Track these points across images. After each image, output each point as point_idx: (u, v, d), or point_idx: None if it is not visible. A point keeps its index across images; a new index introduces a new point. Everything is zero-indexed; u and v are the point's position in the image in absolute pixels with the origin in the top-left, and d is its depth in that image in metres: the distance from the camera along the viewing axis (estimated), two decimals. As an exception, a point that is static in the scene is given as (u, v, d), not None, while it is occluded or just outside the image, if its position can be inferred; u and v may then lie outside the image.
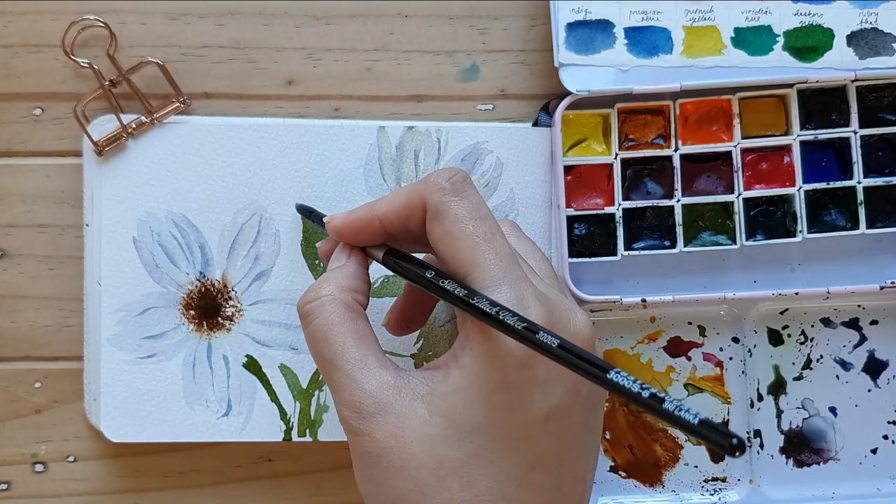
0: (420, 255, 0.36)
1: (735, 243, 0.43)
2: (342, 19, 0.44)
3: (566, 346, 0.28)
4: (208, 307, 0.43)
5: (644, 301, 0.43)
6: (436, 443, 0.31)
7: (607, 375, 0.26)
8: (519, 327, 0.29)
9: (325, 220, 0.37)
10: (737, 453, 0.23)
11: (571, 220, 0.43)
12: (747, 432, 0.45)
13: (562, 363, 0.28)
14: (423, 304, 0.39)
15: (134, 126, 0.43)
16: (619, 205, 0.43)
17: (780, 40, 0.43)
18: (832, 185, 0.43)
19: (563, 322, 0.32)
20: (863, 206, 0.43)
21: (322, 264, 0.43)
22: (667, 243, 0.43)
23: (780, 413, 0.45)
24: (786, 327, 0.45)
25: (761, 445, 0.45)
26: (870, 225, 0.43)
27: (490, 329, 0.31)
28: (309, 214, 0.42)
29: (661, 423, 0.45)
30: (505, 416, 0.31)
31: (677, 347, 0.45)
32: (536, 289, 0.32)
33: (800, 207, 0.43)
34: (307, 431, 0.43)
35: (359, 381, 0.32)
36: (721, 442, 0.23)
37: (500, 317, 0.29)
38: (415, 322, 0.39)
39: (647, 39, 0.43)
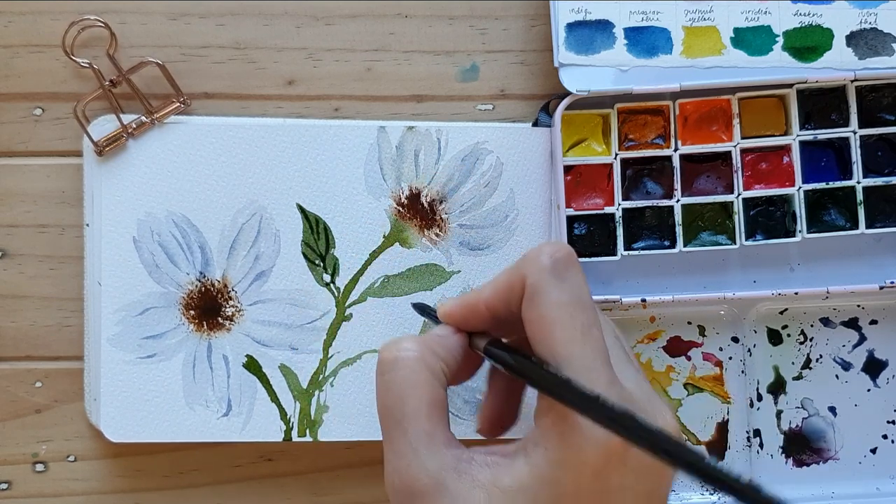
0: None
1: (735, 243, 0.43)
2: (342, 19, 0.44)
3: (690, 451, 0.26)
4: (208, 307, 0.43)
5: (644, 301, 0.43)
6: None
7: (712, 465, 0.25)
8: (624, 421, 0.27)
9: (437, 305, 0.35)
10: None
11: (571, 220, 0.43)
12: (747, 432, 0.45)
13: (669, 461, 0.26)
14: (514, 400, 0.37)
15: (134, 126, 0.43)
16: (619, 205, 0.43)
17: (780, 40, 0.43)
18: (831, 185, 0.43)
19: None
20: (862, 205, 0.43)
21: (320, 263, 0.43)
22: (666, 243, 0.43)
23: (779, 413, 0.45)
24: (785, 327, 0.45)
25: (761, 445, 0.45)
26: (869, 225, 0.43)
27: (569, 432, 0.30)
28: (424, 311, 0.40)
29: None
30: None
31: (677, 347, 0.45)
32: (623, 390, 0.31)
33: (799, 207, 0.43)
34: (307, 431, 0.43)
35: (421, 455, 0.31)
36: None
37: (631, 423, 0.27)
38: (509, 419, 0.37)
39: (646, 39, 0.43)
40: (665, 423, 0.31)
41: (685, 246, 0.43)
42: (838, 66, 0.43)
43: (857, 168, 0.43)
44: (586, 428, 0.29)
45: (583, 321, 0.31)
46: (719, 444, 0.45)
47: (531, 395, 0.39)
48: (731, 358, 0.45)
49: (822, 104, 0.44)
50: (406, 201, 0.43)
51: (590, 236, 0.43)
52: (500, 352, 0.33)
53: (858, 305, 0.45)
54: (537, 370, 0.31)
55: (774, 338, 0.45)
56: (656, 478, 0.31)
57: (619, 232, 0.43)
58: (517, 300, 0.32)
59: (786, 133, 0.44)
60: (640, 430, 0.27)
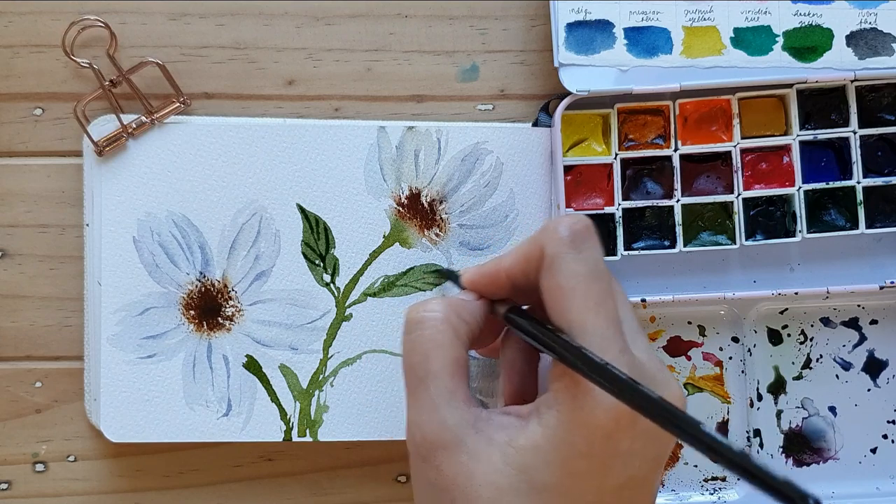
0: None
1: (735, 243, 0.43)
2: (342, 19, 0.44)
3: (672, 409, 0.28)
4: (208, 307, 0.43)
5: (644, 301, 0.43)
6: (504, 492, 0.31)
7: (702, 429, 0.27)
8: (629, 384, 0.29)
9: (459, 272, 0.36)
10: None
11: (571, 220, 0.43)
12: (747, 432, 0.45)
13: (668, 427, 0.28)
14: (530, 372, 0.37)
15: (134, 126, 0.43)
16: (619, 205, 0.43)
17: (780, 40, 0.43)
18: (831, 185, 0.43)
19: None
20: (862, 205, 0.43)
21: (320, 263, 0.43)
22: (666, 243, 0.43)
23: (779, 413, 0.45)
24: (785, 327, 0.45)
25: (761, 445, 0.45)
26: (869, 225, 0.43)
27: (581, 396, 0.31)
28: (448, 276, 0.41)
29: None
30: (580, 481, 0.31)
31: (677, 347, 0.45)
32: (634, 359, 0.32)
33: (799, 207, 0.43)
34: (307, 431, 0.43)
35: (443, 410, 0.32)
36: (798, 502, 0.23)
37: (638, 388, 0.29)
38: (530, 392, 0.37)
39: (646, 39, 0.43)
40: (672, 393, 0.32)
41: (685, 246, 0.43)
42: (838, 66, 0.43)
43: (857, 168, 0.43)
44: (598, 392, 0.30)
45: (597, 292, 0.32)
46: (719, 444, 0.45)
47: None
48: (731, 358, 0.45)
49: (821, 104, 0.44)
50: (406, 201, 0.43)
51: (590, 236, 0.43)
52: (519, 318, 0.34)
53: (859, 305, 0.45)
54: (551, 336, 0.32)
55: (774, 338, 0.45)
56: (663, 442, 0.32)
57: (619, 232, 0.43)
58: (535, 270, 0.33)
59: (786, 133, 0.44)
60: (643, 398, 0.28)
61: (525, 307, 0.35)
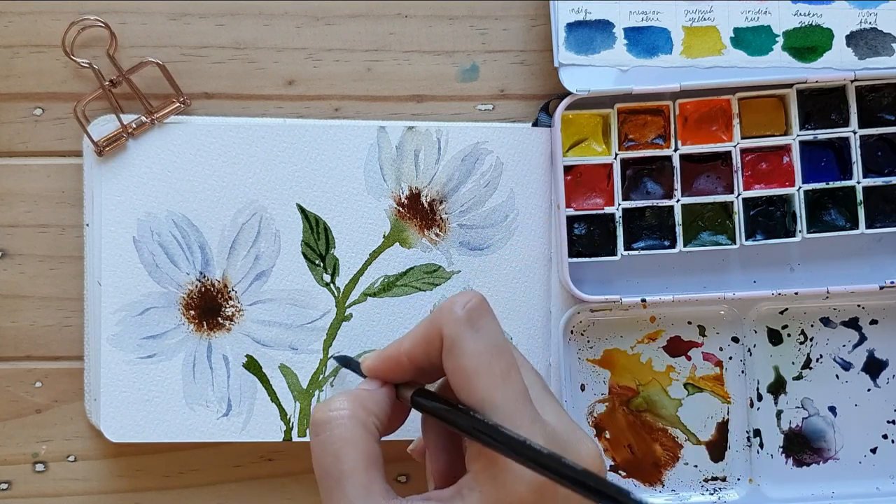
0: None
1: (735, 243, 0.43)
2: (342, 19, 0.44)
3: (593, 477, 0.29)
4: (208, 307, 0.43)
5: (644, 301, 0.43)
6: None
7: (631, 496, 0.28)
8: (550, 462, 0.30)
9: (360, 360, 0.36)
10: None
11: (571, 220, 0.43)
12: (747, 432, 0.45)
13: (585, 494, 0.28)
14: (455, 448, 0.37)
15: (134, 126, 0.43)
16: (619, 205, 0.43)
17: (780, 40, 0.43)
18: (831, 184, 0.43)
19: (573, 455, 0.32)
20: (862, 205, 0.43)
21: (320, 263, 0.43)
22: (666, 243, 0.43)
23: (779, 413, 0.45)
24: (785, 327, 0.45)
25: (761, 445, 0.45)
26: (869, 225, 0.43)
27: (502, 474, 0.31)
28: (347, 364, 0.41)
29: (661, 423, 0.45)
30: None
31: (677, 347, 0.45)
32: (546, 426, 0.32)
33: (799, 207, 0.43)
34: (307, 431, 0.43)
35: None
36: None
37: (555, 462, 0.29)
38: (458, 469, 0.37)
39: (646, 40, 0.43)
40: (588, 451, 0.33)
41: (685, 246, 0.43)
42: (838, 66, 0.43)
43: (857, 168, 0.43)
44: (517, 468, 0.31)
45: (501, 367, 0.32)
46: (719, 444, 0.45)
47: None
48: (731, 358, 0.45)
49: (821, 104, 0.44)
50: (406, 201, 0.44)
51: (590, 236, 0.43)
52: (428, 402, 0.34)
53: (858, 305, 0.45)
54: (465, 417, 0.32)
55: (774, 338, 0.45)
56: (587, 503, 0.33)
57: (619, 232, 0.43)
58: (436, 352, 0.33)
59: (786, 133, 0.44)
60: (566, 470, 0.29)
61: (431, 386, 0.35)
